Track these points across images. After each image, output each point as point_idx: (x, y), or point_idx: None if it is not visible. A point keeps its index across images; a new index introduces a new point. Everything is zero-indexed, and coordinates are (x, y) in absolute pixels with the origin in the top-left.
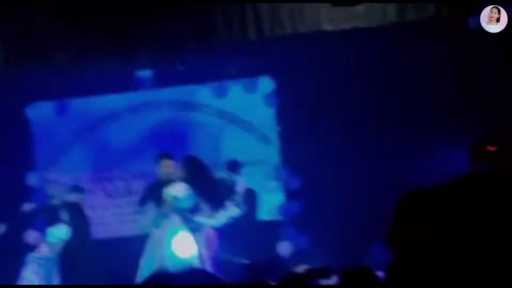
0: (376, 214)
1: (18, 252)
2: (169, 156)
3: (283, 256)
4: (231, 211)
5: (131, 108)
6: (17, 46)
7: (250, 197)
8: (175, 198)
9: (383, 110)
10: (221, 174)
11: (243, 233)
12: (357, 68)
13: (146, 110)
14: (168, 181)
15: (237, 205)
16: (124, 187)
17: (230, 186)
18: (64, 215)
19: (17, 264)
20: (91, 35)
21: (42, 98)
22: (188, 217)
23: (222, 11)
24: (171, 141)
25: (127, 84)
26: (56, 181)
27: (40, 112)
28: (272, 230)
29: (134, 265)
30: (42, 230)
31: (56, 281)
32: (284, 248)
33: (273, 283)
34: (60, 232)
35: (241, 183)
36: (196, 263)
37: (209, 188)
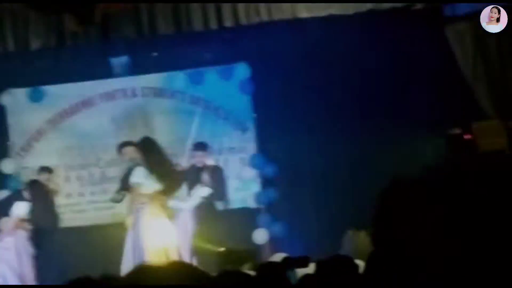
0: (353, 202)
1: None
2: (129, 143)
3: (260, 244)
4: (200, 191)
5: (106, 95)
6: None
7: (218, 175)
8: (138, 184)
9: (360, 97)
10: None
11: (219, 221)
12: (333, 56)
13: (121, 97)
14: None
15: (205, 185)
16: (99, 174)
17: (195, 169)
18: (26, 193)
19: None
20: (67, 21)
21: (16, 85)
22: (162, 203)
23: None
24: (145, 128)
25: (102, 71)
26: (31, 168)
27: (14, 99)
28: (248, 218)
29: (110, 254)
30: None
31: (27, 265)
32: (260, 236)
33: (249, 272)
34: (19, 209)
35: (208, 163)
36: (174, 252)
37: (168, 170)
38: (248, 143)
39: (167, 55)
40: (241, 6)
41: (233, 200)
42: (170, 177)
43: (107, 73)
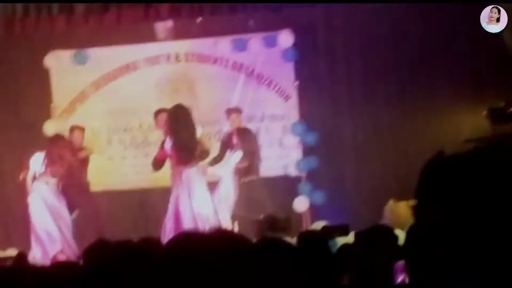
0: (395, 172)
1: None
2: (163, 110)
3: (300, 212)
4: (234, 156)
5: (150, 59)
6: None
7: (251, 139)
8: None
9: (404, 67)
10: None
11: (260, 189)
12: (378, 24)
13: (164, 62)
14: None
15: (238, 149)
16: (141, 138)
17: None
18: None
19: None
20: None
21: (61, 47)
22: (202, 169)
23: None
24: (187, 94)
25: (146, 35)
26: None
27: (58, 61)
28: (288, 185)
29: (151, 218)
30: None
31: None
32: (301, 203)
33: (289, 240)
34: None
35: (238, 127)
36: (215, 219)
37: (192, 139)
38: (290, 111)
39: (211, 20)
40: None
41: (274, 167)
42: (194, 145)
43: (151, 37)
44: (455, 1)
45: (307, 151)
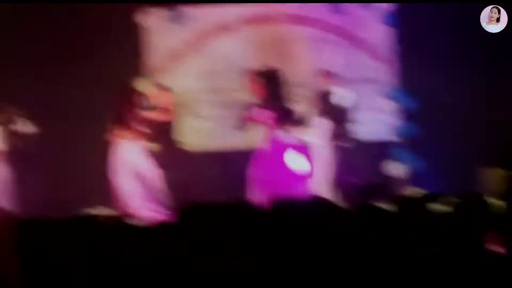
0: (494, 141)
1: None
2: (260, 72)
3: (396, 178)
4: (325, 122)
5: (246, 20)
6: None
7: (344, 101)
8: None
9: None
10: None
11: (355, 153)
12: None
13: (260, 22)
14: None
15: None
16: (233, 99)
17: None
18: None
19: None
20: None
21: (155, 5)
22: (295, 133)
23: None
24: (282, 55)
25: None
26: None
27: (152, 18)
28: (384, 150)
29: (239, 180)
30: None
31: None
32: (397, 170)
33: (385, 205)
34: None
35: (335, 93)
36: (310, 183)
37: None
38: (388, 76)
39: None
40: None
41: (371, 132)
42: (288, 109)
43: None
44: (455, 1)
45: (406, 117)
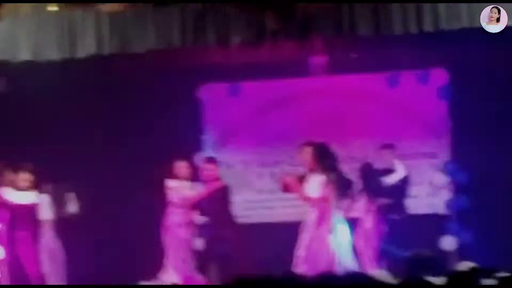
0: None
1: None
2: (309, 144)
3: (447, 251)
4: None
5: (302, 95)
6: (194, 27)
7: (404, 183)
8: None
9: None
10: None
11: (405, 226)
12: None
13: (317, 97)
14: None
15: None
16: (291, 171)
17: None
18: None
19: None
20: (269, 19)
21: (215, 80)
22: (344, 205)
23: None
24: (340, 130)
25: (300, 69)
26: (225, 163)
27: (212, 93)
28: (437, 224)
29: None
30: None
31: None
32: (448, 243)
33: (435, 279)
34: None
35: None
36: (352, 257)
37: (339, 176)
38: (441, 149)
39: (365, 56)
40: (442, 9)
41: (423, 205)
42: (340, 183)
43: (305, 72)
44: (455, 1)
45: (457, 190)
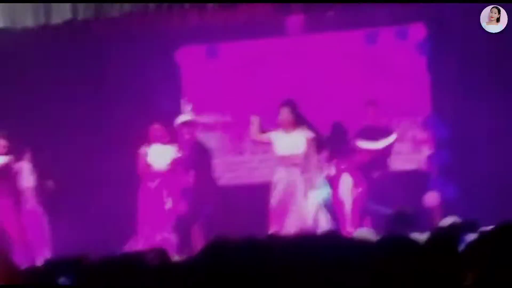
0: None
1: None
2: (288, 104)
3: (430, 207)
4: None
5: (280, 54)
6: None
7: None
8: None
9: None
10: None
11: (388, 183)
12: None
13: (294, 57)
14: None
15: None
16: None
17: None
18: None
19: None
20: None
21: (192, 43)
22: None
23: None
24: (319, 89)
25: (277, 30)
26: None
27: (190, 55)
28: (419, 180)
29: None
30: None
31: None
32: (431, 198)
33: (418, 234)
34: None
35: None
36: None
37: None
38: (422, 105)
39: (342, 14)
40: None
41: (405, 162)
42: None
43: (282, 31)
44: (455, 1)
45: (439, 145)
